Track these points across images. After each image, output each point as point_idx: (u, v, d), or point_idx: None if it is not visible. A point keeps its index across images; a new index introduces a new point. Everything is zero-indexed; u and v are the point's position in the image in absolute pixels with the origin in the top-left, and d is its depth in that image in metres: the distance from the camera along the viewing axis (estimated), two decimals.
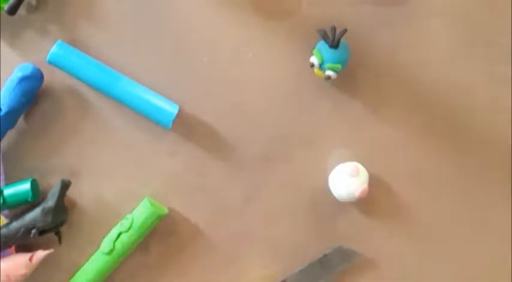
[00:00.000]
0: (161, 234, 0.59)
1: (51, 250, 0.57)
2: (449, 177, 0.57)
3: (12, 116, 0.56)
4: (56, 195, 0.56)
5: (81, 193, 0.59)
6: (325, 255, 0.57)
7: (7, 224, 0.57)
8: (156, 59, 0.58)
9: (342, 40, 0.53)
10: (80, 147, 0.59)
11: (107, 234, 0.57)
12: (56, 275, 0.59)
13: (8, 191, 0.57)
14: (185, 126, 0.58)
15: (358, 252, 0.57)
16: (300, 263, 0.58)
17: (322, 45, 0.53)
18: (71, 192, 0.58)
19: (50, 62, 0.55)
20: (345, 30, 0.51)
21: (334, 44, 0.51)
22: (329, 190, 0.56)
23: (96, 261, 0.56)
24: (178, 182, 0.59)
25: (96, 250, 0.57)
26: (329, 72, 0.52)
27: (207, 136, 0.58)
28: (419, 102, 0.57)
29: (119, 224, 0.56)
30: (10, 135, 0.58)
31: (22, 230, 0.56)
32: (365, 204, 0.57)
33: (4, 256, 0.57)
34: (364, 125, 0.57)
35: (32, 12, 0.58)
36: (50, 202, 0.56)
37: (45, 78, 0.57)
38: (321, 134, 0.57)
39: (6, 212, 0.59)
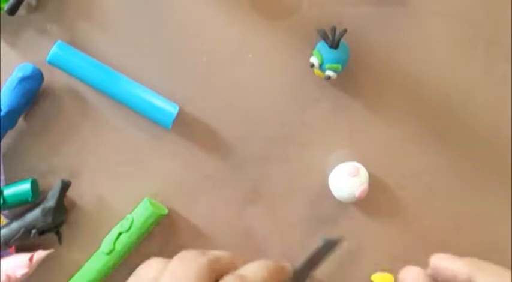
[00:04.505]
0: (161, 234, 0.59)
1: (51, 250, 0.57)
2: (449, 177, 0.57)
3: (12, 116, 0.56)
4: (56, 195, 0.56)
5: (81, 193, 0.59)
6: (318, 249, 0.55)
7: (7, 224, 0.57)
8: (156, 59, 0.58)
9: (342, 40, 0.53)
10: (80, 147, 0.59)
11: (107, 234, 0.57)
12: (56, 275, 0.59)
13: (8, 191, 0.57)
14: (185, 126, 0.58)
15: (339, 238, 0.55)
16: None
17: (322, 45, 0.53)
18: (70, 192, 0.58)
19: (50, 62, 0.55)
20: (345, 31, 0.51)
21: (334, 45, 0.51)
22: (329, 190, 0.56)
23: (96, 261, 0.56)
24: (178, 182, 0.59)
25: (96, 250, 0.57)
26: (329, 72, 0.52)
27: (207, 136, 0.58)
28: (419, 102, 0.57)
29: (119, 224, 0.56)
30: (10, 135, 0.58)
31: (22, 230, 0.56)
32: (365, 204, 0.57)
33: (4, 256, 0.57)
34: (364, 125, 0.57)
35: (32, 12, 0.58)
36: (50, 202, 0.56)
37: (45, 78, 0.57)
38: (321, 134, 0.57)
39: (6, 212, 0.59)
